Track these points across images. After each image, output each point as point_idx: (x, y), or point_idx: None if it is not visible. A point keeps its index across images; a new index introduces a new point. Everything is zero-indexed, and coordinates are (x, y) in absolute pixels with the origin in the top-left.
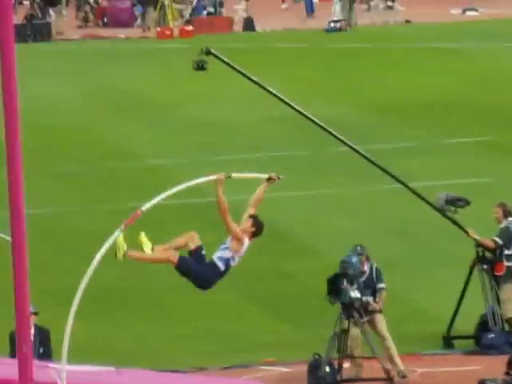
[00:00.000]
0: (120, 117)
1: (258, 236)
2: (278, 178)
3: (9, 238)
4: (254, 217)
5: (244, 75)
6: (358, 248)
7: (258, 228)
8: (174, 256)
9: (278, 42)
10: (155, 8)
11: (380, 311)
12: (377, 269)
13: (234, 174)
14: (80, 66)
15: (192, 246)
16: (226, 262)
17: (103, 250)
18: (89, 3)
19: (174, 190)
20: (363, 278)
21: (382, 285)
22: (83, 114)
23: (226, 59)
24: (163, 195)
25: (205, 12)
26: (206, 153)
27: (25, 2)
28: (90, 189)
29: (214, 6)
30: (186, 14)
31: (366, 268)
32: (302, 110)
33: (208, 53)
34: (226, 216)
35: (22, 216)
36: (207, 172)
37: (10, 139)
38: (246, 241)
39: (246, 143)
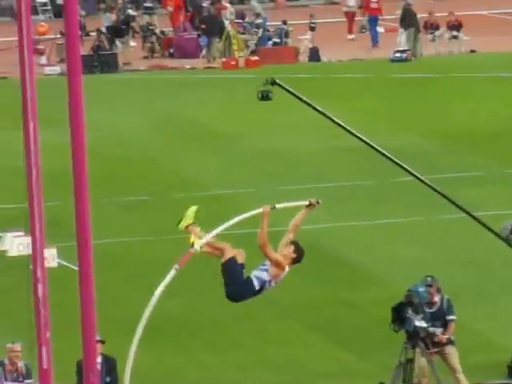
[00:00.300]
0: (186, 147)
1: (298, 263)
2: (318, 203)
3: (76, 268)
4: (295, 243)
5: (309, 105)
6: (428, 279)
7: (299, 254)
8: (232, 252)
9: (343, 72)
10: (221, 38)
11: (450, 342)
12: (448, 300)
13: (277, 205)
14: (146, 97)
15: (239, 261)
16: (263, 283)
17: (167, 279)
18: (155, 34)
19: (222, 227)
20: (434, 309)
21: (451, 316)
22: (150, 144)
23: (290, 89)
24: (214, 232)
25: (270, 42)
26: (271, 182)
27: (92, 34)
28: (157, 218)
29: (280, 37)
30: (252, 44)
31: (437, 299)
32: (367, 140)
33: (273, 83)
34: (265, 248)
35: (89, 245)
36: (272, 201)
37: (78, 170)
38: (287, 268)
39: (310, 173)
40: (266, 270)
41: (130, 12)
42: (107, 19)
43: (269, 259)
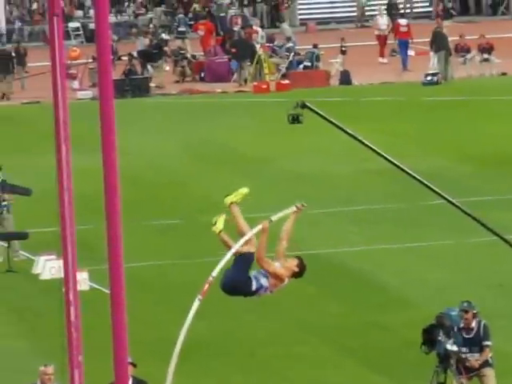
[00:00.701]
0: (217, 170)
1: (299, 277)
2: (303, 206)
3: (108, 291)
4: (300, 258)
5: (339, 128)
6: (465, 304)
7: (301, 270)
8: (254, 248)
9: (374, 96)
10: (252, 62)
11: (488, 365)
12: (485, 325)
13: (273, 218)
14: (177, 121)
15: (250, 249)
16: (259, 287)
17: (195, 304)
18: (186, 58)
19: (230, 253)
20: (471, 335)
21: (487, 342)
22: (180, 168)
23: (321, 112)
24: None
25: (301, 66)
26: None
27: (123, 58)
28: (187, 242)
29: (311, 60)
30: (283, 68)
31: (474, 325)
32: (397, 163)
33: (303, 106)
34: (262, 263)
35: (121, 269)
36: (301, 225)
37: (109, 193)
38: (286, 280)
39: (341, 196)
40: (267, 277)
41: (163, 36)
42: (141, 43)
43: (268, 273)
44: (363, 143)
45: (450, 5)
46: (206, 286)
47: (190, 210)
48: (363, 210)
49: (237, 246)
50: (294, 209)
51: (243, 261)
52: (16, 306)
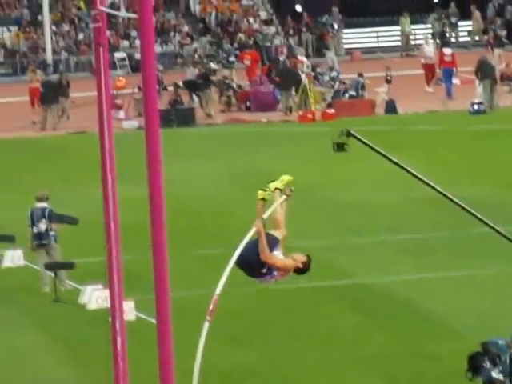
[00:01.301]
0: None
1: (298, 274)
2: (291, 191)
3: (154, 321)
4: (309, 258)
5: (384, 156)
6: None
7: (304, 269)
8: (280, 234)
9: (419, 124)
10: (297, 92)
11: None
12: None
13: (265, 216)
14: (223, 150)
15: (275, 234)
16: (269, 273)
17: (205, 326)
18: (232, 88)
19: (232, 263)
20: None
21: None
22: (226, 197)
23: (365, 140)
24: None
25: (346, 95)
26: (347, 234)
27: (169, 88)
28: (233, 271)
29: (356, 89)
30: (328, 97)
31: None
32: (443, 191)
33: (348, 134)
34: (268, 261)
35: (167, 298)
36: (347, 253)
37: (155, 223)
38: (291, 272)
39: (386, 224)
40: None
41: (212, 66)
42: (191, 73)
43: (277, 268)
44: (408, 171)
45: (503, 33)
46: (212, 306)
47: (234, 239)
48: (408, 238)
49: (237, 253)
50: (284, 197)
51: (268, 242)
52: (63, 336)
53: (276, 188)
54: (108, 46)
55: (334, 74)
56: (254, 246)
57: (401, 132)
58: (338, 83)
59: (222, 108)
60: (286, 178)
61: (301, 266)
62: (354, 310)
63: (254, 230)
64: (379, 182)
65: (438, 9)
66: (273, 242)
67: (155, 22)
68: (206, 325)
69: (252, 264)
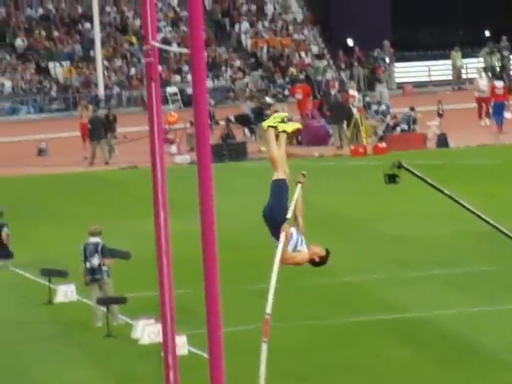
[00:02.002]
0: (314, 233)
1: (314, 266)
2: (304, 176)
3: (206, 356)
4: (328, 253)
5: (436, 188)
6: None
7: (320, 263)
8: (283, 175)
9: (471, 158)
10: (348, 126)
11: None
12: None
13: (288, 216)
14: None
15: (279, 176)
16: (297, 241)
17: (263, 348)
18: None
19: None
20: None
21: None
22: None
23: (417, 172)
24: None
25: (398, 129)
26: (401, 268)
27: (221, 122)
28: (285, 305)
29: (408, 123)
30: (380, 131)
31: None
32: (495, 224)
33: (399, 166)
34: (289, 261)
35: (220, 333)
36: (398, 287)
37: (207, 257)
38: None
39: (437, 258)
40: (298, 245)
41: (268, 100)
42: (248, 107)
43: (297, 263)
44: (461, 204)
45: None
46: (266, 326)
47: (287, 273)
48: (460, 272)
49: (277, 259)
50: (300, 186)
51: (276, 187)
52: (115, 371)
53: (269, 126)
54: (160, 80)
55: (383, 107)
56: (273, 199)
57: (452, 166)
58: (389, 117)
59: None
60: (279, 115)
61: (317, 259)
62: (405, 344)
63: (283, 237)
64: (430, 215)
65: (490, 42)
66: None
67: (207, 57)
68: (264, 346)
69: (275, 216)
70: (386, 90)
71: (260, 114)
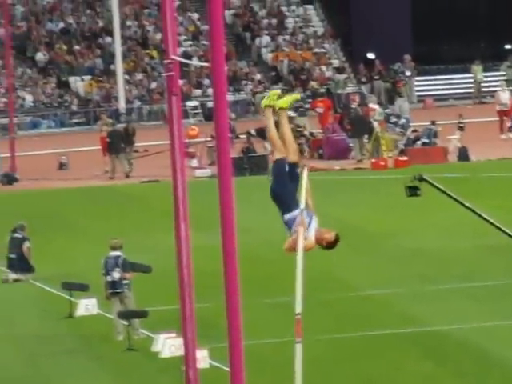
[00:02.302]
0: (334, 250)
1: (320, 247)
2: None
3: (227, 369)
4: (337, 238)
5: (457, 201)
6: None
7: (329, 246)
8: (279, 155)
9: (492, 172)
10: (369, 139)
11: None
12: None
13: (302, 206)
14: None
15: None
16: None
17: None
18: (304, 136)
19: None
20: None
21: None
22: None
23: (438, 185)
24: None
25: (419, 142)
26: (422, 282)
27: (241, 136)
28: (307, 318)
29: (429, 136)
30: (401, 144)
31: None
32: None
33: (421, 179)
34: (306, 250)
35: (240, 346)
36: (419, 301)
37: (228, 271)
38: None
39: (459, 272)
40: (311, 220)
41: (290, 113)
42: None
43: (308, 248)
44: (482, 217)
45: None
46: (298, 326)
47: (307, 287)
48: (482, 285)
49: (300, 244)
50: (306, 168)
51: (275, 167)
52: None
53: (266, 106)
54: (181, 94)
55: (402, 121)
56: (275, 182)
57: (473, 179)
58: (409, 131)
59: None
60: (273, 92)
61: (324, 245)
62: (427, 358)
63: (302, 230)
64: (451, 229)
65: (511, 56)
66: (280, 165)
67: (227, 71)
68: (298, 346)
69: (282, 197)
70: (406, 103)
71: None
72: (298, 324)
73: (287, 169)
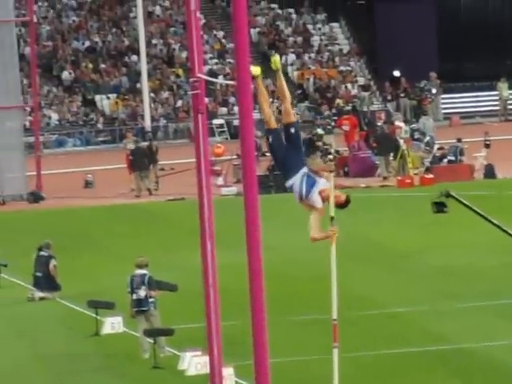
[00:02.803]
0: (361, 264)
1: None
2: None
3: None
4: (348, 200)
5: (484, 218)
6: None
7: (341, 206)
8: (274, 125)
9: None
10: (395, 157)
11: None
12: None
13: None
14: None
15: (271, 126)
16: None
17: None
18: (330, 153)
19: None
20: None
21: None
22: (324, 263)
23: (464, 201)
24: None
25: (445, 160)
26: (447, 299)
27: (267, 154)
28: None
29: (455, 154)
30: (427, 162)
31: None
32: None
33: (447, 195)
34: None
35: (266, 364)
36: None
37: (254, 288)
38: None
39: (486, 289)
40: (313, 186)
41: (319, 131)
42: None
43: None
44: (509, 234)
45: None
46: (335, 331)
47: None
48: (509, 303)
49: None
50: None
51: (274, 140)
52: None
53: (257, 76)
54: (206, 112)
55: (427, 139)
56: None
57: (500, 196)
58: (435, 148)
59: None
60: (253, 69)
61: (333, 205)
62: (454, 376)
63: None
64: (477, 246)
65: None
66: (274, 133)
67: (253, 89)
68: (335, 351)
69: (285, 166)
70: (430, 121)
71: (311, 145)
72: (334, 329)
73: (283, 133)
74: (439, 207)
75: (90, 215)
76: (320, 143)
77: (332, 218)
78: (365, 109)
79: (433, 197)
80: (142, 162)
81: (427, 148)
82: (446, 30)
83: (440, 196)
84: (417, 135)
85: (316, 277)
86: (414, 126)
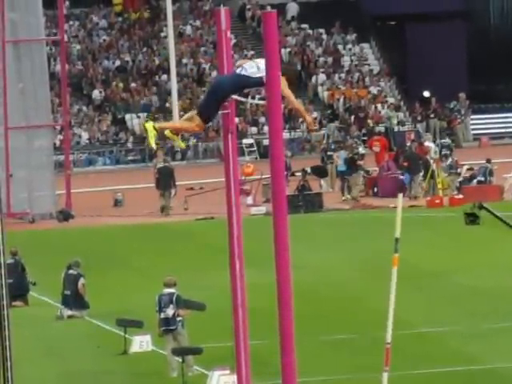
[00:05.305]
0: (389, 284)
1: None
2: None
3: None
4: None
5: None
6: None
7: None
8: (200, 124)
9: None
10: (425, 177)
11: None
12: None
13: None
14: (350, 236)
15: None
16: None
17: (384, 377)
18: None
19: None
20: None
21: None
22: (354, 282)
23: (497, 213)
24: None
25: (475, 181)
26: (476, 319)
27: (297, 174)
28: (362, 357)
29: (484, 175)
30: (456, 182)
31: None
32: None
33: (481, 207)
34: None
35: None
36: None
37: (283, 309)
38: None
39: None
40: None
41: (360, 150)
42: (343, 156)
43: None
44: None
45: None
46: (387, 354)
47: (362, 325)
48: None
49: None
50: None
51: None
52: None
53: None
54: (236, 132)
55: (449, 161)
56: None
57: None
58: (465, 169)
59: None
60: (148, 128)
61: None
62: None
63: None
64: (507, 266)
65: None
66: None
67: (283, 109)
68: (385, 375)
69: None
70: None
71: (353, 164)
72: (387, 353)
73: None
74: (471, 219)
75: (119, 234)
76: (361, 162)
77: (396, 240)
78: (395, 129)
79: (466, 207)
80: (166, 181)
81: (451, 171)
82: (475, 51)
83: (473, 207)
84: (444, 151)
85: (345, 297)
86: (443, 141)
